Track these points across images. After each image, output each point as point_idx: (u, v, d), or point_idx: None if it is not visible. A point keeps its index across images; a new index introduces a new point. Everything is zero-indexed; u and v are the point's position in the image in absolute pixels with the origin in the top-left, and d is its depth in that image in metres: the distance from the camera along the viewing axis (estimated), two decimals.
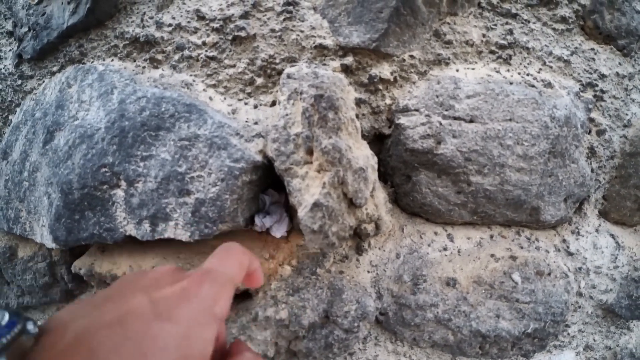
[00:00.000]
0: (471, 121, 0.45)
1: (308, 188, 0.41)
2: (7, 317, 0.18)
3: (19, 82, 0.58)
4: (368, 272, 0.51)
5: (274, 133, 0.41)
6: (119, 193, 0.42)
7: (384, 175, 0.53)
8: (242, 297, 0.48)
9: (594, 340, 0.56)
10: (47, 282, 0.55)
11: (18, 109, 0.58)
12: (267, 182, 0.47)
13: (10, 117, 0.60)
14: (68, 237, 0.44)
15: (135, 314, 0.19)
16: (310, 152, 0.41)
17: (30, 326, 0.18)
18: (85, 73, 0.48)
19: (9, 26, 0.60)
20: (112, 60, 0.49)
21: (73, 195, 0.43)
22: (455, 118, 0.45)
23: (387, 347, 0.52)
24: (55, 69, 0.53)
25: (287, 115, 0.41)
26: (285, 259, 0.49)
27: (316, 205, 0.39)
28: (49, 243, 0.46)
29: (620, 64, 0.51)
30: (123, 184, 0.42)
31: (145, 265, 0.48)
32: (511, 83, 0.46)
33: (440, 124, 0.45)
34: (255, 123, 0.46)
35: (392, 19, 0.43)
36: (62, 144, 0.45)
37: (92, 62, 0.50)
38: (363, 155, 0.43)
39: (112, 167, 0.42)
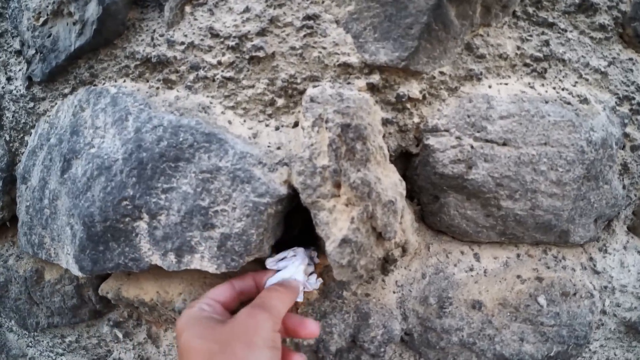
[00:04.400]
0: (504, 144, 0.44)
1: (336, 222, 0.41)
2: None
3: (32, 104, 0.57)
4: (394, 292, 0.52)
5: (299, 165, 0.40)
6: (142, 225, 0.42)
7: (411, 193, 0.53)
8: None
9: (615, 354, 0.58)
10: (76, 304, 0.57)
11: (33, 131, 0.57)
12: (292, 207, 0.47)
13: (25, 138, 0.60)
14: (94, 267, 0.45)
15: None
16: (337, 185, 0.40)
17: None
18: (98, 96, 0.47)
19: (16, 45, 0.59)
20: (124, 81, 0.48)
21: (95, 227, 0.43)
22: (487, 141, 0.44)
23: None
24: (66, 91, 0.52)
25: (312, 145, 0.40)
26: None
27: (345, 242, 0.40)
28: (75, 271, 0.46)
29: None
30: (145, 216, 0.42)
31: (172, 291, 0.49)
32: (546, 102, 0.45)
33: (472, 147, 0.45)
34: (278, 148, 0.45)
35: (423, 35, 0.41)
36: (80, 174, 0.45)
37: (104, 83, 0.48)
38: (392, 184, 0.43)
39: (133, 201, 0.42)
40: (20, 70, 0.61)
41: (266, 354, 0.31)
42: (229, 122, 0.45)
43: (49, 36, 0.51)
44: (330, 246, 0.40)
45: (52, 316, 0.61)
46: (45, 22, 0.50)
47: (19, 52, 0.61)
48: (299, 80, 0.45)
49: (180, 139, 0.41)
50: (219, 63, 0.45)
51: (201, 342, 0.31)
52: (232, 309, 0.37)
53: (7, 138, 0.63)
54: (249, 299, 0.38)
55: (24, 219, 0.55)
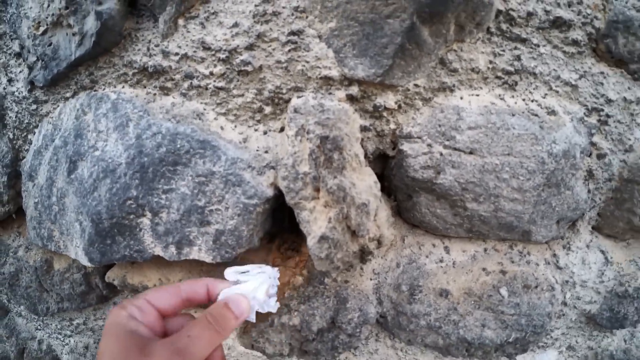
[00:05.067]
0: (471, 153, 0.49)
1: (316, 220, 0.47)
2: None
3: (34, 106, 0.62)
4: (371, 279, 0.59)
5: (283, 171, 0.46)
6: (145, 221, 0.49)
7: (389, 190, 0.58)
8: None
9: (577, 342, 0.64)
10: (84, 290, 0.65)
11: (36, 131, 0.63)
12: (278, 203, 0.53)
13: (29, 136, 0.66)
14: (102, 259, 0.52)
15: None
16: (317, 189, 0.46)
17: None
18: (99, 101, 0.52)
19: (16, 47, 0.63)
20: (123, 87, 0.53)
21: (103, 224, 0.50)
22: (455, 149, 0.49)
23: (386, 342, 0.62)
24: (68, 94, 0.57)
25: (295, 153, 0.46)
26: (297, 267, 0.57)
27: (323, 238, 0.46)
28: (85, 262, 0.54)
29: (629, 88, 0.53)
30: (148, 214, 0.49)
31: (173, 277, 0.56)
32: (513, 115, 0.49)
33: (441, 154, 0.49)
34: (266, 151, 0.51)
35: (398, 54, 0.46)
36: (86, 175, 0.51)
37: (104, 89, 0.54)
38: (366, 187, 0.48)
39: (136, 200, 0.48)
40: (21, 72, 0.65)
41: None
42: (221, 128, 0.51)
43: (50, 45, 0.55)
44: (310, 242, 0.46)
45: (61, 302, 0.70)
46: (45, 32, 0.54)
47: (18, 55, 0.65)
48: (284, 91, 0.50)
49: (178, 146, 0.47)
50: (211, 74, 0.50)
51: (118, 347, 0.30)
52: (172, 315, 0.36)
53: (10, 136, 0.69)
54: (197, 306, 0.37)
55: (33, 214, 0.62)
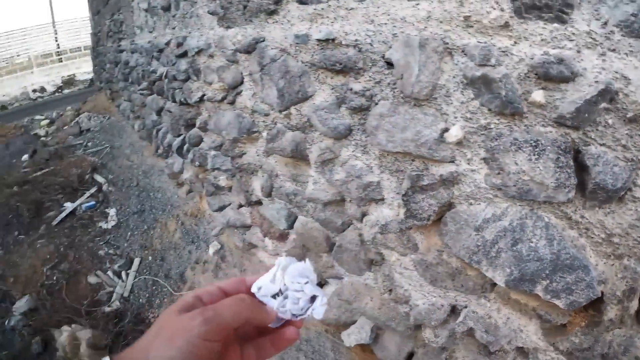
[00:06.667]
0: None
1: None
2: None
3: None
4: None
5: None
6: (543, 282, 1.19)
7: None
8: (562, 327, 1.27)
9: None
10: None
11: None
12: None
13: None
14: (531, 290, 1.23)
15: None
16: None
17: None
18: (537, 218, 1.21)
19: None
20: (549, 214, 1.21)
21: (523, 277, 1.20)
22: None
23: None
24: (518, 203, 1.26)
25: None
26: (582, 319, 1.26)
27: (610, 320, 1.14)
28: (500, 283, 1.25)
29: None
30: (545, 281, 1.18)
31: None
32: None
33: None
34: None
35: None
36: (542, 252, 1.21)
37: (541, 214, 1.22)
38: None
39: (547, 274, 1.18)
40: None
41: (175, 355, 0.35)
42: None
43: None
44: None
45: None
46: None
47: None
48: None
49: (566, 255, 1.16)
50: None
51: (162, 316, 0.40)
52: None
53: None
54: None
55: (463, 253, 1.33)
